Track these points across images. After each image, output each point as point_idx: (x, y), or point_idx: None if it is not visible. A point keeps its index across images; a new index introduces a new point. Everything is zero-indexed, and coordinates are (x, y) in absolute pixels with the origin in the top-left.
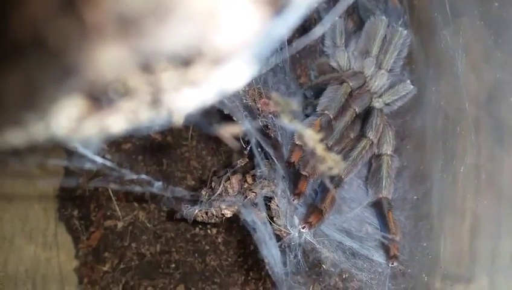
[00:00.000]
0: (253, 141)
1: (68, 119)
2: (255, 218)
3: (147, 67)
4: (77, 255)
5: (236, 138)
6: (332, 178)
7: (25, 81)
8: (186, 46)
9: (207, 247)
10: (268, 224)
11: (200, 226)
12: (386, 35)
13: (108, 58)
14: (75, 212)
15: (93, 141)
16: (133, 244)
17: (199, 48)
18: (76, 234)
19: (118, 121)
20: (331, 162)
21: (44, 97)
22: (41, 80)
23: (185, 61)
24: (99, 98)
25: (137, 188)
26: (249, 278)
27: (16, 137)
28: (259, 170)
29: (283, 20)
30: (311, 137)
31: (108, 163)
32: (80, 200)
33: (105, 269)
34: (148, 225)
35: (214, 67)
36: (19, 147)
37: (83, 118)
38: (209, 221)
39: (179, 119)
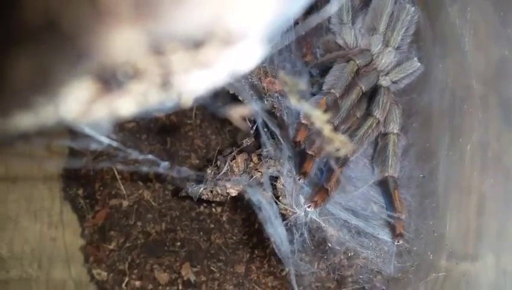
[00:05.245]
0: (259, 121)
1: (78, 103)
2: (260, 197)
3: (157, 50)
4: (83, 234)
5: (244, 118)
6: (338, 157)
7: (36, 65)
8: (201, 27)
9: (212, 225)
10: (274, 203)
11: (205, 205)
12: (393, 12)
13: (123, 42)
14: (80, 191)
15: (102, 124)
16: (139, 223)
17: (214, 29)
18: (82, 213)
19: (127, 104)
20: (338, 143)
21: (55, 81)
22: (52, 64)
23: (197, 42)
24: (109, 81)
25: (144, 168)
26: (254, 256)
27: (25, 121)
28: (265, 150)
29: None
30: (318, 117)
31: (114, 143)
32: (84, 179)
33: (111, 247)
34: (153, 203)
35: (225, 49)
36: (27, 130)
37: (92, 101)
38: (214, 199)
39: (187, 101)
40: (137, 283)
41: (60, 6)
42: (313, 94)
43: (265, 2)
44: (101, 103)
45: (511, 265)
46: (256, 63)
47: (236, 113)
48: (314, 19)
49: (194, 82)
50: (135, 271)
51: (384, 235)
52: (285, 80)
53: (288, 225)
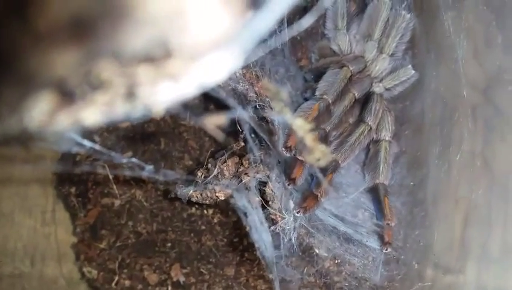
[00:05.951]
0: (246, 127)
1: (40, 113)
2: (246, 203)
3: (121, 61)
4: (75, 232)
5: (233, 122)
6: (328, 164)
7: None
8: (149, 46)
9: (203, 227)
10: (259, 209)
11: (196, 206)
12: (388, 18)
13: (65, 61)
14: (73, 190)
15: (68, 133)
16: (130, 223)
17: (166, 47)
18: (74, 211)
19: (92, 114)
20: (319, 154)
21: (12, 96)
22: (4, 83)
23: (153, 57)
24: (71, 92)
25: (127, 173)
26: (244, 258)
27: None
28: (252, 156)
29: (265, 12)
30: (301, 127)
31: (97, 147)
32: (77, 177)
33: (102, 246)
34: (145, 203)
35: (192, 61)
36: None
37: (55, 111)
38: (204, 202)
39: (159, 112)
40: (127, 283)
41: None
42: (307, 99)
43: (218, 20)
44: (64, 113)
45: (495, 278)
46: (227, 74)
47: (210, 123)
48: (298, 27)
49: (162, 93)
50: (125, 271)
51: (373, 242)
52: (268, 87)
53: (277, 229)
